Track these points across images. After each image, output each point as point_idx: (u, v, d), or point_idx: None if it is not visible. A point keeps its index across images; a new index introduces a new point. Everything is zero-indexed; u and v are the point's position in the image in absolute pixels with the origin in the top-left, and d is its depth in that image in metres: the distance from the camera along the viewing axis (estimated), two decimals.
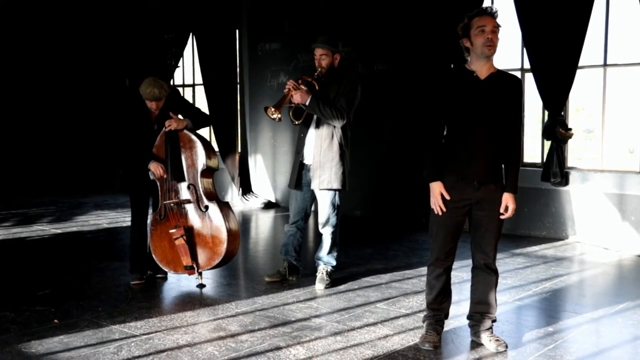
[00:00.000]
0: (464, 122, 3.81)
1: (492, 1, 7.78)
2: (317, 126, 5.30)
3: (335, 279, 5.50)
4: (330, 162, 5.24)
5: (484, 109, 3.79)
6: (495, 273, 3.99)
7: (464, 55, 3.90)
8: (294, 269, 5.59)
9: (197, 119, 5.44)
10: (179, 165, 5.31)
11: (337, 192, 5.34)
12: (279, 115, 5.16)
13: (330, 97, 5.23)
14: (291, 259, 5.55)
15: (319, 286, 5.35)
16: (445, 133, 3.88)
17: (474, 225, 3.96)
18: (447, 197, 3.83)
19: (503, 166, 3.95)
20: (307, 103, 5.17)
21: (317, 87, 5.26)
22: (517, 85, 3.89)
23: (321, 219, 5.39)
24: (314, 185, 5.30)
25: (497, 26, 3.77)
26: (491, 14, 3.76)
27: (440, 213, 3.85)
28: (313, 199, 5.49)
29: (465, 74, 3.84)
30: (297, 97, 5.17)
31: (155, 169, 5.24)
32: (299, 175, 5.39)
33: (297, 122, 5.34)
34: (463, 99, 3.81)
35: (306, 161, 5.36)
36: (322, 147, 5.26)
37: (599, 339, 4.32)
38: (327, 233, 5.41)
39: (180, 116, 5.38)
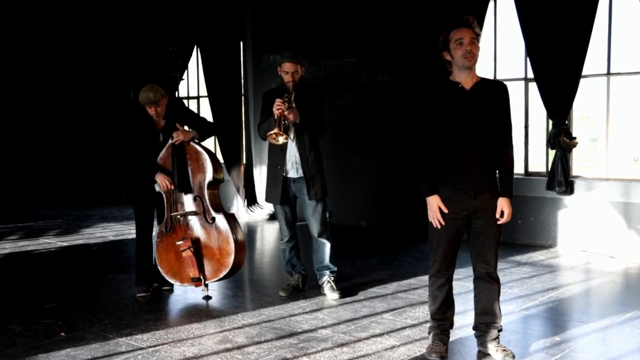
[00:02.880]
0: (454, 134, 3.82)
1: (495, 12, 7.81)
2: (298, 140, 5.29)
3: (340, 289, 5.51)
4: (319, 173, 5.37)
5: (473, 119, 3.81)
6: (497, 282, 3.98)
7: (447, 69, 3.92)
8: (305, 278, 5.63)
9: (202, 129, 5.47)
10: (186, 177, 5.33)
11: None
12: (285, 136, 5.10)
13: (306, 110, 5.24)
14: (300, 270, 5.59)
15: (334, 296, 5.38)
16: (436, 146, 3.89)
17: (473, 235, 3.96)
18: (445, 211, 3.84)
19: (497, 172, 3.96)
20: (298, 120, 5.19)
21: (293, 104, 5.22)
22: (503, 91, 3.91)
23: (318, 227, 5.43)
24: (310, 197, 5.33)
25: (476, 35, 3.79)
26: (467, 25, 3.78)
27: (439, 227, 3.86)
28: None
29: (451, 86, 3.87)
30: (291, 116, 5.13)
31: (162, 182, 5.26)
32: (284, 189, 5.38)
33: (293, 140, 5.28)
34: (451, 110, 3.83)
35: (291, 175, 5.36)
36: (309, 160, 5.31)
37: (606, 348, 4.30)
38: (325, 239, 5.47)
39: (186, 127, 5.42)
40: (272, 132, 5.04)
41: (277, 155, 5.37)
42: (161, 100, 5.24)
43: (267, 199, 5.53)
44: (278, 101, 5.08)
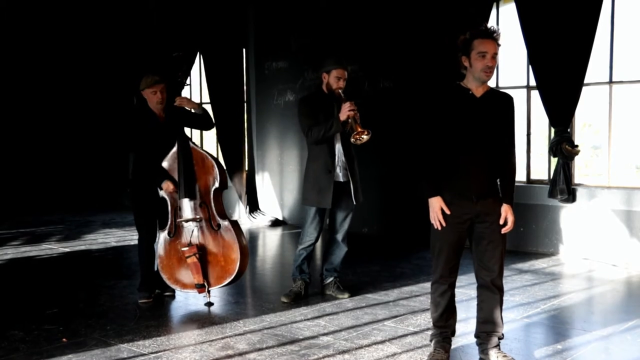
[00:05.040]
0: (460, 140, 3.83)
1: (497, 20, 7.82)
2: (344, 144, 5.43)
3: (347, 288, 5.65)
4: (359, 177, 5.55)
5: (480, 127, 3.82)
6: (500, 291, 3.95)
7: (460, 70, 3.92)
8: (307, 285, 5.68)
9: (203, 118, 5.57)
10: (192, 183, 5.34)
11: None
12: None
13: None
14: (306, 277, 5.65)
15: (344, 295, 5.56)
16: (441, 149, 3.89)
17: (475, 240, 3.95)
18: (447, 212, 3.84)
19: (498, 180, 3.96)
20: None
21: None
22: (510, 103, 3.94)
23: (344, 233, 5.60)
24: (356, 200, 5.50)
25: (498, 48, 3.80)
26: (494, 38, 3.78)
27: (440, 228, 3.86)
28: None
29: (461, 92, 3.87)
30: (358, 118, 5.28)
31: (166, 187, 5.28)
32: (334, 193, 5.44)
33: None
34: (460, 116, 3.83)
35: (339, 179, 5.45)
36: (353, 164, 5.49)
37: (608, 356, 4.29)
38: (345, 245, 5.61)
39: (186, 129, 5.47)
40: (355, 132, 5.17)
41: (326, 159, 5.41)
42: (164, 83, 5.31)
43: (314, 204, 5.46)
44: (350, 104, 5.21)
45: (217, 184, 5.34)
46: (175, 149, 5.35)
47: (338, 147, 5.44)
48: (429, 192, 3.87)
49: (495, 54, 3.77)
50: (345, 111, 5.20)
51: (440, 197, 3.85)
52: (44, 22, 11.93)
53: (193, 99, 11.18)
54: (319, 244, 5.78)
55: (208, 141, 11.72)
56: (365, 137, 5.19)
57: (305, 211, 5.57)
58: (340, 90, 5.38)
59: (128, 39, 11.61)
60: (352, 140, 5.21)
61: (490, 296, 3.96)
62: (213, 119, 5.77)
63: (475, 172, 3.83)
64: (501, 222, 3.87)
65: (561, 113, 7.16)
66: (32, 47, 11.97)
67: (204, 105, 5.87)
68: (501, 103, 3.90)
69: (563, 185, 7.20)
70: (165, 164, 5.37)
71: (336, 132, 5.31)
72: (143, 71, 10.83)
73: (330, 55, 5.69)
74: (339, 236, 5.58)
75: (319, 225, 5.55)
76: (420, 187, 3.96)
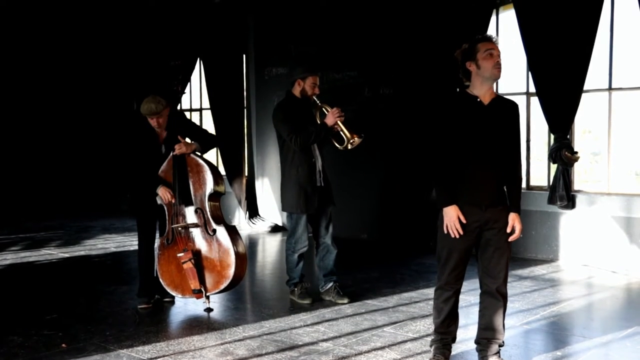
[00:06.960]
0: (469, 147, 3.83)
1: (497, 25, 7.84)
2: (320, 150, 5.58)
3: (347, 294, 5.66)
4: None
5: (488, 134, 3.82)
6: (503, 298, 3.94)
7: (463, 81, 3.93)
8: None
9: (204, 141, 5.52)
10: (187, 190, 5.35)
11: None
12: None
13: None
14: (306, 283, 5.74)
15: (343, 300, 5.58)
16: (452, 157, 3.89)
17: (482, 247, 3.94)
18: (464, 221, 3.81)
19: (505, 188, 3.96)
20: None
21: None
22: (516, 110, 3.96)
23: (332, 234, 5.62)
24: (334, 202, 5.64)
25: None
26: (494, 41, 3.82)
27: (457, 236, 3.83)
28: None
29: (469, 99, 3.88)
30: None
31: (164, 194, 5.28)
32: (318, 198, 5.53)
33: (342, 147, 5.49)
34: (469, 123, 3.83)
35: (320, 184, 5.54)
36: (326, 169, 5.59)
37: None
38: (335, 247, 5.63)
39: (187, 139, 5.44)
40: (351, 139, 5.33)
41: (309, 166, 5.50)
42: (163, 111, 5.28)
43: (303, 210, 5.50)
44: (338, 110, 5.36)
45: (211, 190, 5.34)
46: (170, 155, 5.36)
47: (317, 152, 5.56)
48: (444, 201, 3.85)
49: (500, 54, 3.80)
50: (334, 117, 5.34)
51: (456, 206, 3.82)
52: (43, 27, 11.94)
53: (192, 103, 11.36)
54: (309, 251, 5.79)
55: None
56: (357, 140, 5.32)
57: (292, 218, 5.59)
58: (314, 97, 5.51)
59: (128, 45, 11.62)
60: (348, 145, 5.33)
61: (494, 303, 3.95)
62: (215, 140, 5.80)
63: (485, 179, 3.83)
64: (508, 230, 3.86)
65: (561, 119, 7.17)
66: (32, 52, 11.98)
67: (204, 110, 5.88)
68: (508, 110, 3.91)
69: (562, 191, 7.20)
70: (160, 171, 5.38)
71: (324, 137, 5.42)
72: (143, 77, 10.86)
73: (303, 62, 5.82)
74: (328, 239, 5.60)
75: (306, 229, 5.61)
76: (435, 196, 3.94)
